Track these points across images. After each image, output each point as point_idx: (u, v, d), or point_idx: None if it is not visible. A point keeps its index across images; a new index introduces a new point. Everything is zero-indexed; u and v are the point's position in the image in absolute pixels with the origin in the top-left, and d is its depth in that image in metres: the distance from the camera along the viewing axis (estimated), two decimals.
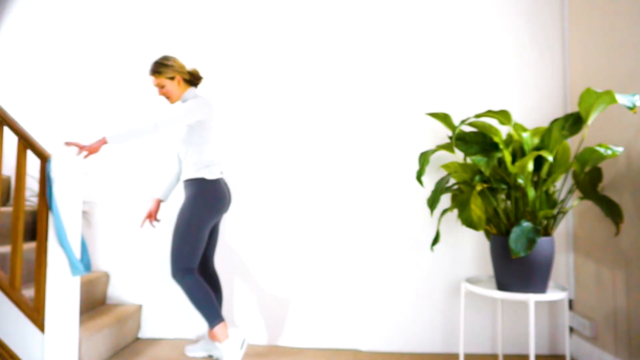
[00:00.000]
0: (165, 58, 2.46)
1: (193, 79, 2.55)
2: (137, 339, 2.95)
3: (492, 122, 2.75)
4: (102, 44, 3.13)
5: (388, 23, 2.91)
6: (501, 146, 2.18)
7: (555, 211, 2.30)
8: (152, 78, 2.46)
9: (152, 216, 2.64)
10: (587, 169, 2.25)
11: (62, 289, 2.20)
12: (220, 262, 2.93)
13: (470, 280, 2.46)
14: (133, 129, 2.23)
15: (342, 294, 2.85)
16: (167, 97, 2.49)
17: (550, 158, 2.05)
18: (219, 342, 2.40)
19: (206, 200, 2.42)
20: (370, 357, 2.69)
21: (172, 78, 2.46)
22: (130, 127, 2.24)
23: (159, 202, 2.66)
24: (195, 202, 2.40)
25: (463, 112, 2.83)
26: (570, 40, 2.76)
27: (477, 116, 2.19)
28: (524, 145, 2.21)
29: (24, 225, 2.60)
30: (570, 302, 2.69)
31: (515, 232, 2.07)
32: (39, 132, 3.13)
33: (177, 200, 2.98)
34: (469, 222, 2.22)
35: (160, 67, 2.44)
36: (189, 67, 2.58)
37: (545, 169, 2.18)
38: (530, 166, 2.12)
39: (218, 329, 2.39)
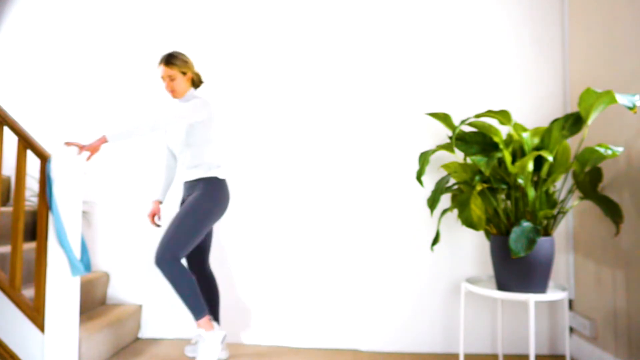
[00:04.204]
0: (181, 53, 2.50)
1: (197, 81, 2.59)
2: (137, 339, 2.95)
3: (492, 122, 2.74)
4: (102, 44, 3.13)
5: (388, 23, 2.91)
6: (501, 146, 2.18)
7: (555, 211, 2.30)
8: (163, 68, 2.44)
9: (154, 218, 2.65)
10: (587, 169, 2.25)
11: (62, 289, 2.20)
12: (219, 262, 2.93)
13: (470, 280, 2.46)
14: (133, 127, 2.23)
15: (342, 294, 2.85)
16: (172, 91, 2.49)
17: (550, 158, 2.05)
18: (204, 331, 2.35)
19: (218, 198, 2.44)
20: (370, 357, 2.69)
21: (184, 73, 2.48)
22: (130, 126, 2.23)
23: (158, 204, 2.66)
24: (207, 197, 2.41)
25: (463, 112, 2.83)
26: (570, 40, 2.75)
27: (477, 116, 2.19)
28: (524, 145, 2.21)
29: (24, 225, 2.60)
30: (570, 302, 2.70)
31: (515, 232, 2.07)
32: (39, 132, 3.13)
33: (173, 200, 2.99)
34: (469, 222, 2.22)
35: (177, 60, 2.46)
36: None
37: (545, 169, 2.18)
38: (530, 166, 2.12)
39: (203, 322, 2.35)
